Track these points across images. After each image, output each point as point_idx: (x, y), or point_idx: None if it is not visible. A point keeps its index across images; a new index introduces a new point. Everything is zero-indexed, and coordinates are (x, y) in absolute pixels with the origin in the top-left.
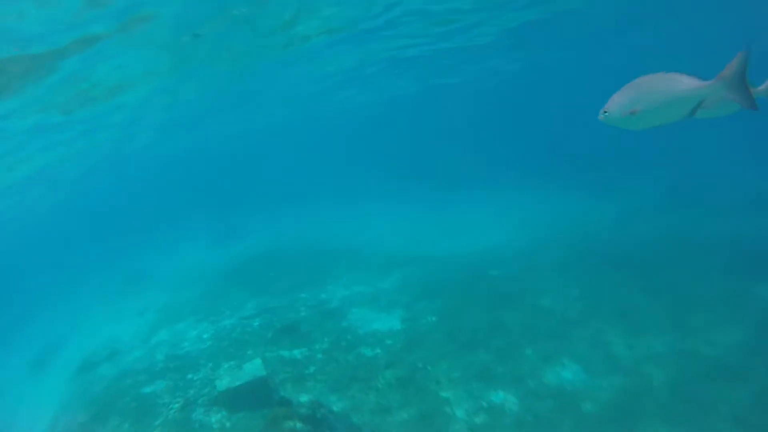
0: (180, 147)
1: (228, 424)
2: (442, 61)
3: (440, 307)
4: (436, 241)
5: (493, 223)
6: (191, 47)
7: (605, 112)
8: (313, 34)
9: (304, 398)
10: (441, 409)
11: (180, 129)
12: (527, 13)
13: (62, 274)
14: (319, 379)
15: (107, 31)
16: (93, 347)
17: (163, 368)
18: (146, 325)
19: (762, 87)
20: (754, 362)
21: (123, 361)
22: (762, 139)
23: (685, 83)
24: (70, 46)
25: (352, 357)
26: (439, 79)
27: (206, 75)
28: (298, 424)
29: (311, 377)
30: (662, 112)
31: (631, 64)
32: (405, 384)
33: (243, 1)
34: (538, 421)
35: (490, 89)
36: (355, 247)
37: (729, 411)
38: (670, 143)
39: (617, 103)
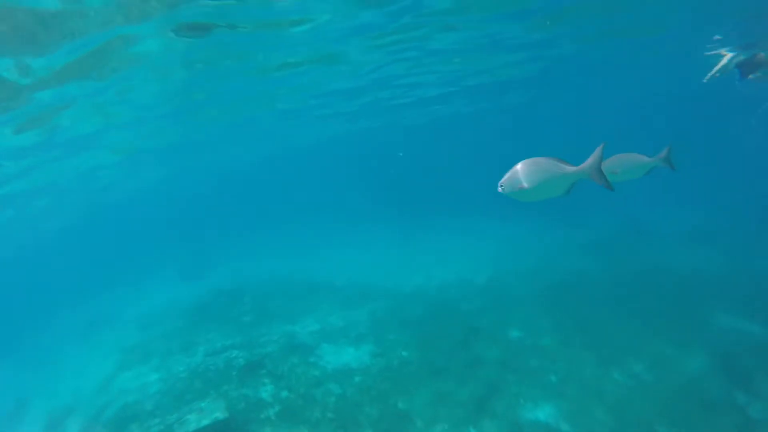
0: (150, 179)
1: None
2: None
3: (411, 342)
4: (407, 274)
5: (464, 254)
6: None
7: (501, 185)
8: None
9: None
10: None
11: (151, 162)
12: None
13: (29, 315)
14: (284, 418)
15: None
16: (56, 401)
17: (123, 417)
18: (110, 370)
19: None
20: (722, 388)
21: (84, 415)
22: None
23: (561, 167)
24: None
25: (320, 394)
26: (410, 120)
27: (188, 119)
28: None
29: (276, 417)
30: (545, 188)
31: (597, 102)
32: (375, 423)
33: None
34: None
35: (461, 125)
36: (325, 280)
37: None
38: (628, 183)
39: (510, 180)
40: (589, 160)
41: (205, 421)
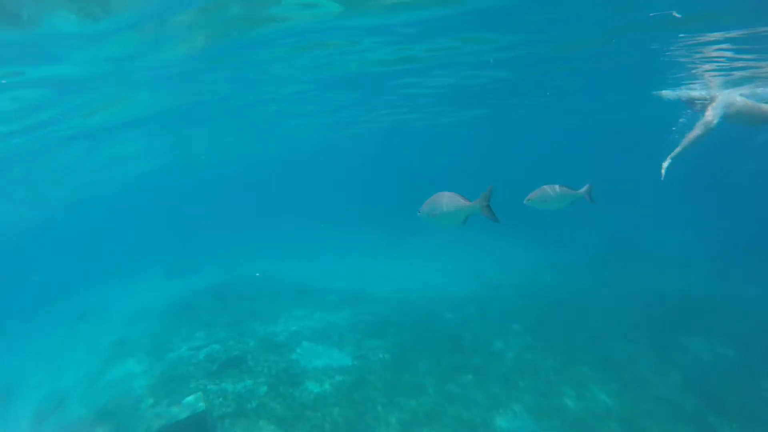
0: (137, 176)
1: None
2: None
3: (392, 346)
4: (394, 282)
5: (452, 266)
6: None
7: (420, 212)
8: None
9: None
10: None
11: (138, 159)
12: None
13: (15, 307)
14: (261, 414)
15: None
16: (43, 393)
17: (104, 412)
18: (95, 365)
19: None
20: (695, 409)
21: (68, 409)
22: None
23: (460, 201)
24: None
25: (298, 392)
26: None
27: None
28: None
29: (253, 412)
30: (448, 218)
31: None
32: (352, 424)
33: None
34: None
35: (452, 135)
36: (309, 282)
37: None
38: (615, 204)
39: (425, 208)
40: (480, 198)
41: (183, 414)
